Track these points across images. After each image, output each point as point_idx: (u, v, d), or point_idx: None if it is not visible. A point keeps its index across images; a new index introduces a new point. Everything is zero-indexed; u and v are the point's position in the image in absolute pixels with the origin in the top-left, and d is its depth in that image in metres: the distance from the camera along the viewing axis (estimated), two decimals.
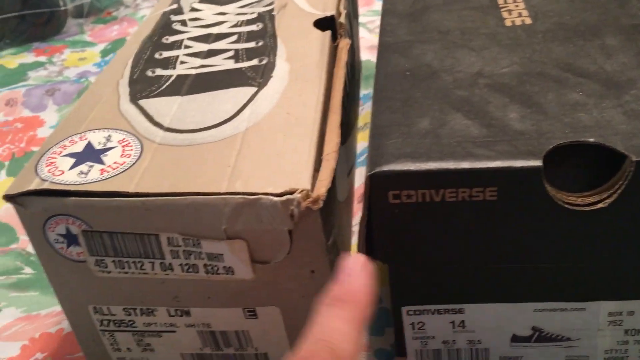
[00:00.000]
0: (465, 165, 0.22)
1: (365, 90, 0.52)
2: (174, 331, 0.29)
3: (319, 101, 0.29)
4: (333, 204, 0.27)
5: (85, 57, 0.64)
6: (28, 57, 0.64)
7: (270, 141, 0.27)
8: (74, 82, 0.58)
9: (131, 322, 0.29)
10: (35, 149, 0.49)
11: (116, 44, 0.66)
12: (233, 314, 0.28)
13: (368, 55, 0.58)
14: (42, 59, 0.64)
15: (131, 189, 0.25)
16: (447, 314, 0.26)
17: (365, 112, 0.50)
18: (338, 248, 0.28)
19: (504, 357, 0.27)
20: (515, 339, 0.26)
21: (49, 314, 0.35)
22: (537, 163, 0.22)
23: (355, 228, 0.38)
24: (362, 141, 0.46)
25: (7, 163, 0.47)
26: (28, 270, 0.38)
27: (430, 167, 0.22)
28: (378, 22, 0.65)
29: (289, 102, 0.29)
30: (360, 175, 0.43)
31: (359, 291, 0.21)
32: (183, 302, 0.28)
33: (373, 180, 0.23)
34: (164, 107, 0.29)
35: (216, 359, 0.30)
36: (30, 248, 0.39)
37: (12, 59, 0.64)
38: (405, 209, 0.23)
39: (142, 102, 0.30)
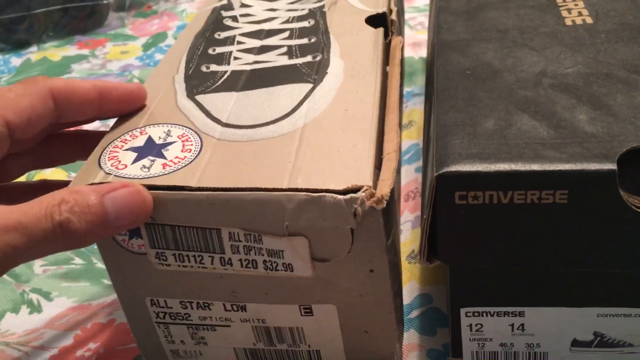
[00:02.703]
0: (536, 167, 0.22)
1: (408, 88, 0.52)
2: (229, 325, 0.29)
3: (376, 98, 0.29)
4: (392, 204, 0.27)
5: (128, 51, 0.64)
6: (71, 50, 0.65)
7: (329, 137, 0.27)
8: (117, 76, 0.59)
9: (187, 315, 0.29)
10: None
11: (157, 38, 0.66)
12: (289, 311, 0.28)
13: (410, 52, 0.57)
14: (85, 52, 0.65)
15: (194, 183, 0.25)
16: (506, 316, 0.26)
17: (408, 109, 0.49)
18: (396, 247, 0.28)
19: None
20: (576, 343, 0.26)
21: (99, 305, 0.35)
22: (611, 166, 0.21)
23: (404, 227, 0.38)
24: (406, 139, 0.46)
25: None
26: (78, 260, 0.38)
27: (499, 168, 0.22)
28: (419, 19, 0.64)
29: (346, 98, 0.29)
30: (405, 174, 0.42)
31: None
32: (240, 297, 0.28)
33: (440, 181, 0.22)
34: (220, 102, 0.30)
35: (268, 354, 0.30)
36: None
37: (55, 52, 0.65)
38: (471, 210, 0.23)
39: (199, 97, 0.30)
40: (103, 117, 0.29)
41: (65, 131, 0.31)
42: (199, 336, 0.30)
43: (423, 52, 0.57)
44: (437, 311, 0.32)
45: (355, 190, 0.24)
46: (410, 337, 0.31)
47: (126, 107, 0.29)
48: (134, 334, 0.31)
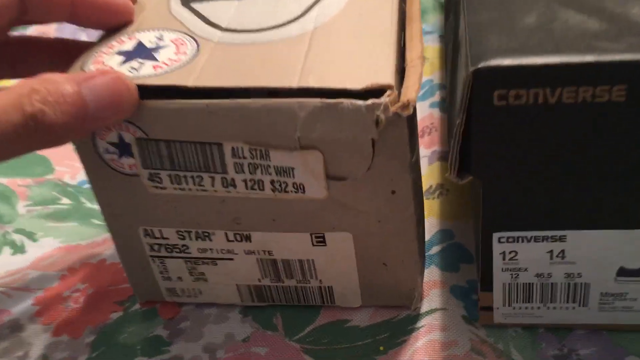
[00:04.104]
0: (590, 58, 0.19)
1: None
2: (231, 259, 0.26)
3: (394, 4, 0.25)
4: (415, 117, 0.24)
5: None
6: None
7: (343, 41, 0.23)
8: None
9: (184, 247, 0.26)
10: None
11: None
12: (299, 240, 0.25)
13: None
14: None
15: (190, 83, 0.22)
16: (545, 241, 0.23)
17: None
18: (419, 168, 0.25)
19: (605, 294, 0.24)
20: (623, 272, 0.23)
21: (89, 245, 0.32)
22: None
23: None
24: None
25: None
26: (65, 200, 0.35)
27: (546, 61, 0.19)
28: None
29: (360, 4, 0.26)
30: (419, 110, 0.39)
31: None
32: (244, 225, 0.25)
33: (477, 78, 0.19)
34: (220, 9, 0.26)
35: (275, 292, 0.27)
36: (67, 178, 0.37)
37: None
38: (511, 113, 0.20)
39: (195, 4, 0.27)
40: (77, 22, 0.25)
41: (36, 37, 0.28)
42: (198, 271, 0.27)
43: None
44: (459, 247, 0.30)
45: (377, 91, 0.21)
46: (431, 273, 0.28)
47: (105, 17, 0.25)
48: (126, 270, 0.28)
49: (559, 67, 0.19)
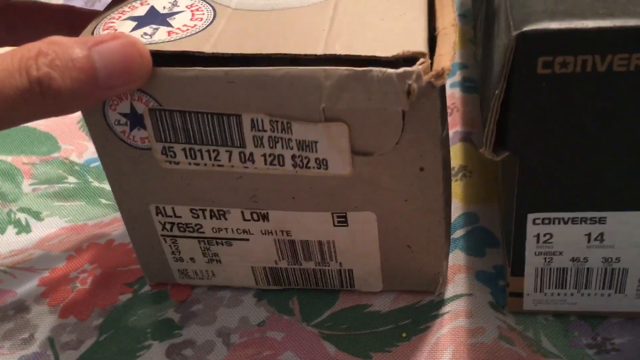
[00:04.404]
0: None
1: None
2: (247, 239, 0.25)
3: None
4: (445, 91, 0.23)
5: None
6: None
7: (370, 6, 0.22)
8: None
9: (198, 227, 0.25)
10: None
11: None
12: (319, 220, 0.24)
13: None
14: None
15: (207, 49, 0.20)
16: (583, 223, 0.22)
17: None
18: (449, 144, 0.24)
19: None
20: None
21: (97, 225, 0.31)
22: None
23: None
24: None
25: None
26: (72, 179, 0.34)
27: (598, 24, 0.18)
28: None
29: None
30: None
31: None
32: (261, 203, 0.23)
33: (520, 43, 0.18)
34: None
35: (292, 274, 0.26)
36: (74, 157, 0.35)
37: None
38: (556, 82, 0.18)
39: None
40: None
41: (41, 2, 0.26)
42: (211, 252, 0.26)
43: None
44: (484, 231, 0.28)
45: (408, 60, 0.19)
46: (456, 258, 0.27)
47: None
48: (136, 251, 0.26)
49: (612, 32, 0.17)
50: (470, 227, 0.28)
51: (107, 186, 0.33)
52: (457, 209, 0.29)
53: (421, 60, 0.19)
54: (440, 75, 0.19)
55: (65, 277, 0.28)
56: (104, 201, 0.33)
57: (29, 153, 0.36)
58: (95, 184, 0.34)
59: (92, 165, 0.35)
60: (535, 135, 0.20)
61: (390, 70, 0.19)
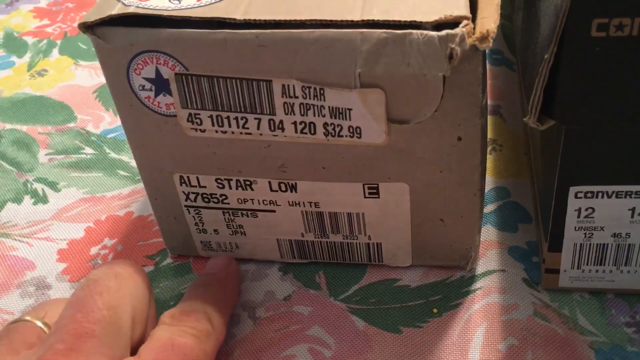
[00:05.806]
0: None
1: None
2: (274, 211, 0.24)
3: None
4: (486, 57, 0.22)
5: None
6: None
7: None
8: None
9: (223, 197, 0.24)
10: None
11: None
12: (349, 191, 0.23)
13: None
14: None
15: (238, 16, 0.19)
16: (628, 197, 0.21)
17: None
18: (487, 115, 0.23)
19: None
20: None
21: (115, 196, 0.30)
22: None
23: None
24: None
25: (59, 42, 0.42)
26: (89, 150, 0.33)
27: None
28: None
29: None
30: None
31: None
32: (290, 173, 0.23)
33: (573, 3, 0.17)
34: None
35: (319, 248, 0.25)
36: (90, 127, 0.35)
37: None
38: (611, 46, 0.17)
39: None
40: None
41: None
42: (236, 224, 0.25)
43: None
44: (516, 206, 0.27)
45: (450, 25, 0.18)
46: (487, 233, 0.26)
47: None
48: (158, 222, 0.26)
49: None
50: (501, 202, 0.27)
51: (125, 158, 0.33)
52: (488, 182, 0.29)
53: (465, 22, 0.18)
54: (485, 37, 0.18)
55: (85, 253, 0.28)
56: (122, 172, 0.32)
57: (44, 123, 0.35)
58: (113, 155, 0.33)
59: (109, 136, 0.34)
60: (584, 104, 0.19)
61: (432, 33, 0.18)
